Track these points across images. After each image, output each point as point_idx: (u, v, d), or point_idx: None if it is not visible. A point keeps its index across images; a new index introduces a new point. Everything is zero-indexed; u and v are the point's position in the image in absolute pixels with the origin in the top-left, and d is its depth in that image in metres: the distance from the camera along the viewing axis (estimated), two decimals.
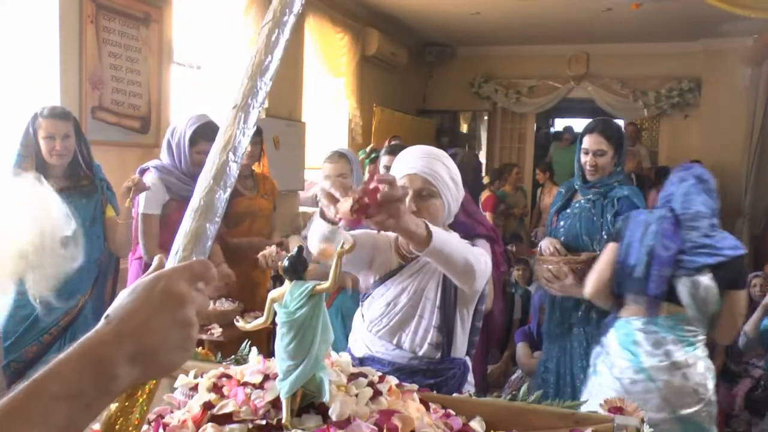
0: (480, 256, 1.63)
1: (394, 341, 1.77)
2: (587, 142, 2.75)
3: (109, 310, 0.64)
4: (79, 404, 0.58)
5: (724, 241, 2.29)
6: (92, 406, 0.59)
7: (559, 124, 10.65)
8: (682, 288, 2.28)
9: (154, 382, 0.71)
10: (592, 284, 2.46)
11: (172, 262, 0.78)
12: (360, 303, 1.88)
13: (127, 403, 0.68)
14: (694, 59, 7.97)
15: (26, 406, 0.55)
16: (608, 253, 2.46)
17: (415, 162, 1.74)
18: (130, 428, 0.68)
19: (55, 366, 0.58)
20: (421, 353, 1.76)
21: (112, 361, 0.60)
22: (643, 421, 1.24)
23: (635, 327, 2.34)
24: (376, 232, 1.72)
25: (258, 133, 3.56)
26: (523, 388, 1.36)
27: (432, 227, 1.45)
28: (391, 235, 1.83)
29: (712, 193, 2.37)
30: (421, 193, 1.71)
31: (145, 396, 0.70)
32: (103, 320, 0.63)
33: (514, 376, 3.88)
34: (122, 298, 0.65)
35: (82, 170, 2.66)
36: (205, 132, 2.87)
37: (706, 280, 2.26)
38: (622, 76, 8.30)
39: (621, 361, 2.34)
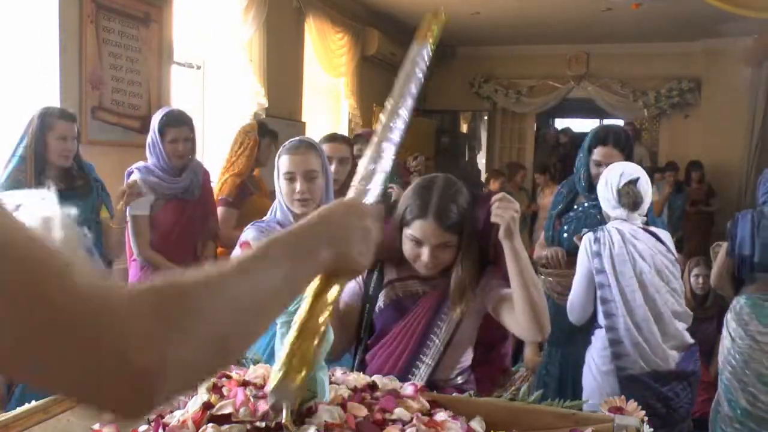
0: None
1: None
2: (599, 154, 2.67)
3: (320, 210, 0.85)
4: (291, 266, 0.73)
5: None
6: (299, 269, 0.75)
7: (559, 124, 10.63)
8: None
9: (338, 290, 0.89)
10: (716, 277, 3.17)
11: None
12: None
13: (316, 304, 0.87)
14: (694, 59, 7.97)
15: (255, 261, 0.69)
16: (723, 250, 3.10)
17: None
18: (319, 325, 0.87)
19: (275, 238, 0.76)
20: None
21: (318, 238, 0.80)
22: (643, 421, 1.24)
23: (764, 299, 2.98)
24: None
25: (274, 136, 3.57)
26: (523, 388, 1.36)
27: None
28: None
29: None
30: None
31: (330, 298, 0.88)
32: (312, 215, 0.84)
33: (518, 374, 3.89)
34: (321, 209, 0.86)
35: (75, 170, 2.66)
36: (170, 120, 2.86)
37: None
38: (622, 76, 8.30)
39: (755, 325, 2.91)
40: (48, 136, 2.53)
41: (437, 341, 1.64)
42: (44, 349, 0.48)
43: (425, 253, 1.58)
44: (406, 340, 1.65)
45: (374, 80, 7.23)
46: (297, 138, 2.22)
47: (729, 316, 3.05)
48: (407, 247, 1.63)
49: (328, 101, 6.61)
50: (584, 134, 3.16)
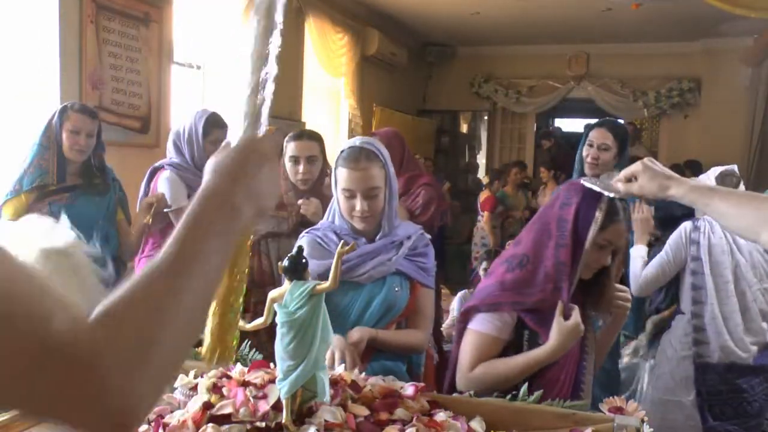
0: None
1: None
2: (593, 135, 2.81)
3: (213, 165, 0.80)
4: (222, 246, 0.72)
5: None
6: (228, 245, 0.74)
7: (559, 124, 10.63)
8: None
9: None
10: None
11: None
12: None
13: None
14: (694, 59, 7.97)
15: (188, 261, 0.67)
16: None
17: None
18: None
19: (195, 208, 0.72)
20: None
21: (233, 202, 0.75)
22: (643, 421, 1.24)
23: None
24: None
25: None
26: (523, 388, 1.36)
27: None
28: None
29: None
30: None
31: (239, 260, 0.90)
32: (210, 174, 0.78)
33: None
34: (223, 155, 0.81)
35: (94, 170, 2.68)
36: (216, 121, 2.88)
37: None
38: (622, 76, 8.30)
39: None
40: (64, 127, 2.56)
41: (590, 356, 1.73)
42: (33, 398, 0.54)
43: (608, 256, 1.63)
44: (568, 364, 1.65)
45: (374, 80, 7.23)
46: (357, 143, 1.81)
47: None
48: (592, 256, 1.61)
49: (328, 101, 6.60)
50: (572, 134, 3.25)
